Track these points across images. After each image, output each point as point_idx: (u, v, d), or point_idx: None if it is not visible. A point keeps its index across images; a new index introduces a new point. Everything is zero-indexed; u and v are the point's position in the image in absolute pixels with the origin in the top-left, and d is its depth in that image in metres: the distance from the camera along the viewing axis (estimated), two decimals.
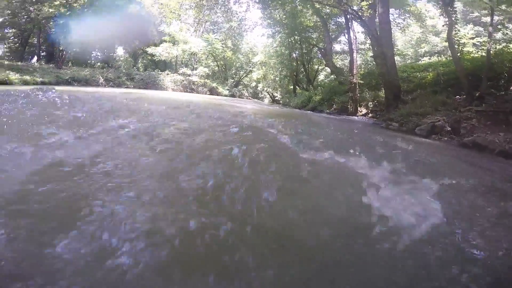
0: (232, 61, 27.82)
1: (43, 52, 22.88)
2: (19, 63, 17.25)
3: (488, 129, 6.55)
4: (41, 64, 18.97)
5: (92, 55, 27.70)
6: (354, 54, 12.01)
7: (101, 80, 17.62)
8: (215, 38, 24.11)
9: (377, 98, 10.94)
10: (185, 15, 25.88)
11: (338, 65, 18.18)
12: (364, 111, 11.40)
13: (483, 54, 8.52)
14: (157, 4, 22.98)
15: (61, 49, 18.98)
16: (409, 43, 23.04)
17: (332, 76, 17.96)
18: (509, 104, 6.79)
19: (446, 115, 7.14)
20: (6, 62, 16.76)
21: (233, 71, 29.57)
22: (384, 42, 9.41)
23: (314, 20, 18.13)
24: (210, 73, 26.11)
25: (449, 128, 6.59)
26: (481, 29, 16.54)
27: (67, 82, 15.41)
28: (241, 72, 29.68)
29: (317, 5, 14.72)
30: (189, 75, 22.56)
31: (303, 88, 20.34)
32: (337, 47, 19.83)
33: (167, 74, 21.73)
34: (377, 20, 10.28)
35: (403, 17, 17.01)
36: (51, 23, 18.17)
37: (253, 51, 28.10)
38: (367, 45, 15.82)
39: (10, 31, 23.39)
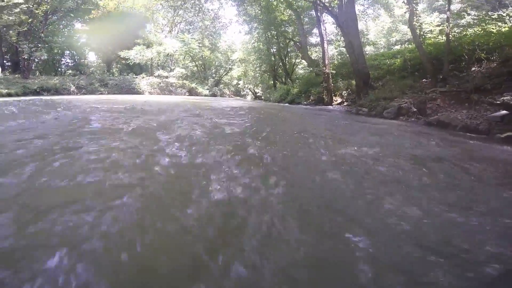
0: (211, 60, 27.58)
1: (8, 62, 21.63)
2: None
3: (452, 108, 6.82)
4: (6, 74, 17.97)
5: (62, 62, 26.59)
6: (325, 45, 12.21)
7: (73, 88, 17.00)
8: (191, 38, 23.74)
9: (350, 87, 11.16)
10: (157, 15, 25.23)
11: (313, 57, 18.39)
12: (339, 100, 11.61)
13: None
14: (122, 7, 22.17)
15: (25, 57, 18.04)
16: (381, 32, 23.66)
17: (310, 68, 18.22)
18: (469, 84, 7.07)
19: (412, 98, 7.38)
20: None
21: (213, 70, 29.31)
22: (350, 32, 9.60)
23: (289, 14, 18.21)
24: (189, 74, 25.72)
25: (415, 109, 6.82)
26: (445, 16, 17.37)
27: (36, 92, 14.77)
28: (221, 71, 29.45)
29: None
30: (166, 77, 22.13)
31: (282, 82, 20.49)
32: (312, 40, 20.04)
33: (143, 77, 21.20)
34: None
35: (373, 8, 17.46)
36: (11, 31, 17.09)
37: (232, 49, 27.97)
38: (340, 36, 16.13)
39: None
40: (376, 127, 5.00)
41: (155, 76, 22.02)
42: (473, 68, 7.52)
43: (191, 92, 22.24)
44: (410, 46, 14.72)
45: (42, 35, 19.28)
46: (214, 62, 28.40)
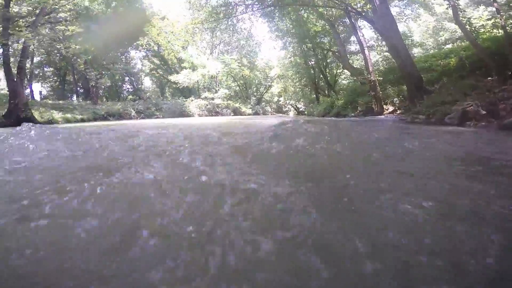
0: (251, 78, 28.58)
1: (80, 89, 24.69)
2: (61, 101, 18.81)
3: None
4: (79, 101, 20.45)
5: (123, 88, 29.91)
6: (366, 52, 12.05)
7: (133, 113, 18.79)
8: (231, 58, 25.00)
9: (402, 93, 10.74)
10: (196, 38, 26.78)
11: (356, 66, 18.06)
12: (390, 108, 11.17)
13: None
14: (164, 32, 24.09)
15: (93, 84, 20.35)
16: (426, 33, 22.36)
17: (354, 78, 17.86)
18: None
19: (479, 99, 6.87)
20: (50, 102, 18.56)
21: (254, 88, 30.35)
22: (391, 35, 9.39)
23: (321, 24, 18.10)
24: (232, 94, 26.97)
25: (484, 112, 6.33)
26: (494, 9, 15.98)
27: (103, 118, 16.63)
28: (261, 89, 30.35)
29: (320, 9, 14.85)
30: (212, 99, 23.56)
31: (325, 94, 20.31)
32: (351, 47, 19.74)
33: (192, 100, 22.86)
34: None
35: (410, 8, 16.76)
36: (79, 60, 19.56)
37: (269, 66, 28.69)
38: (380, 41, 15.77)
39: (49, 69, 25.51)
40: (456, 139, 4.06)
41: (202, 98, 23.64)
42: None
43: (236, 111, 23.29)
44: (463, 43, 13.77)
45: (104, 62, 21.71)
46: (254, 81, 29.40)
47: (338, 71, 21.76)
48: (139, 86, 30.00)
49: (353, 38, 18.89)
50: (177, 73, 24.04)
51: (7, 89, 14.53)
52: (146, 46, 25.15)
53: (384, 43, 13.92)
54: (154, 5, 25.56)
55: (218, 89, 25.15)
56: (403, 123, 7.65)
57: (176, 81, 23.51)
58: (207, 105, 22.61)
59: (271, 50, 33.46)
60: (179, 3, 25.33)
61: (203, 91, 25.19)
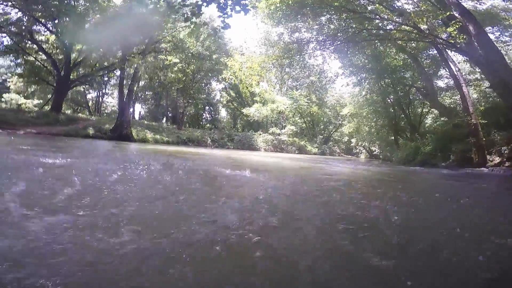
0: (319, 116, 27.68)
1: (169, 113, 28.23)
2: (153, 123, 21.70)
3: None
4: (168, 125, 23.35)
5: (203, 117, 33.13)
6: (464, 88, 9.86)
7: (209, 141, 20.25)
8: (299, 94, 24.81)
9: None
10: (269, 74, 27.65)
11: (447, 105, 15.28)
12: (497, 159, 8.61)
13: None
14: (245, 68, 25.56)
15: (181, 111, 22.90)
16: None
17: (443, 118, 14.98)
18: None
19: None
20: (145, 122, 21.65)
21: (321, 126, 29.26)
22: (497, 67, 7.45)
23: (402, 58, 16.11)
24: (298, 131, 26.52)
25: None
26: None
27: (184, 142, 18.29)
28: (330, 127, 28.98)
29: (400, 42, 13.29)
30: (279, 134, 23.54)
31: (406, 137, 17.57)
32: (440, 83, 16.86)
33: (260, 134, 23.32)
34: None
35: (507, 33, 13.27)
36: (173, 88, 22.03)
37: (340, 103, 27.14)
38: (479, 74, 12.97)
39: (149, 93, 29.50)
40: None
41: (269, 133, 23.95)
42: None
43: (301, 150, 22.58)
44: None
45: (192, 92, 24.05)
46: (322, 118, 28.31)
47: (425, 110, 18.77)
48: (216, 116, 32.78)
49: (441, 71, 16.28)
50: (250, 106, 25.22)
51: (117, 107, 17.03)
52: (228, 79, 27.28)
53: (482, 76, 11.48)
54: (233, 40, 27.67)
55: (285, 125, 25.15)
56: None
57: (248, 114, 24.51)
58: (274, 140, 22.63)
59: (344, 86, 31.76)
60: (253, 39, 26.48)
61: (271, 126, 25.59)
